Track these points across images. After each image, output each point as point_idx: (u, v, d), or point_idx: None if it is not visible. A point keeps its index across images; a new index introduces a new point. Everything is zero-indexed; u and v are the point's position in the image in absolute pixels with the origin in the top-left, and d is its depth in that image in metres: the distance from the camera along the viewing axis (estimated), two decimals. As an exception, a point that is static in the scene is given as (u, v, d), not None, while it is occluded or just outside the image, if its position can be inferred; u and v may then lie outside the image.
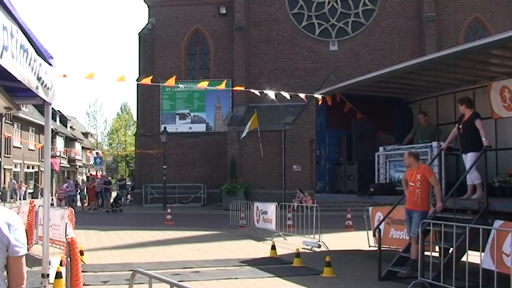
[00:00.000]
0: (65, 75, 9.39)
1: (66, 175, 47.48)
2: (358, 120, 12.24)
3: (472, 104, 9.10)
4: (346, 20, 31.53)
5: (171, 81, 11.86)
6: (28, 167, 45.34)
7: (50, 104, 5.02)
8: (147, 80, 12.38)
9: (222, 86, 14.26)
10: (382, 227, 10.78)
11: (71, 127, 57.75)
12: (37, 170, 46.51)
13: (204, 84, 15.94)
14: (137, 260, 10.60)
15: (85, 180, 35.23)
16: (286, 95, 13.27)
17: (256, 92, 13.78)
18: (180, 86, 19.22)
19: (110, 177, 32.33)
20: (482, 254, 6.97)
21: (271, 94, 12.73)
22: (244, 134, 25.17)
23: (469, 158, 8.50)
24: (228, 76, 31.75)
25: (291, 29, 31.61)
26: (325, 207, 21.56)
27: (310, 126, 24.95)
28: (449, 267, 7.14)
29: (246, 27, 31.39)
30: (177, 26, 32.80)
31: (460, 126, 8.79)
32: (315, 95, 12.56)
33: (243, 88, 15.17)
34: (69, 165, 55.69)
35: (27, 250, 9.83)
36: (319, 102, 12.50)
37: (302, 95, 13.35)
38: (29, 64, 3.71)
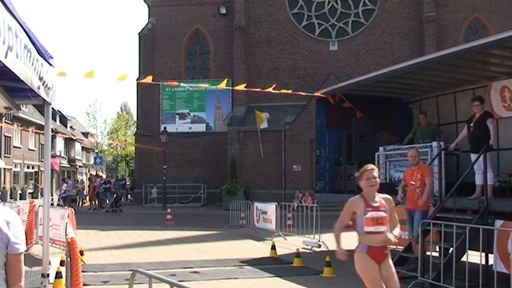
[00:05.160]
0: (63, 73, 9.37)
1: (66, 175, 47.45)
2: (358, 120, 12.24)
3: (484, 103, 9.08)
4: (346, 20, 31.54)
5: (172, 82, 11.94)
6: (28, 167, 45.34)
7: (50, 104, 5.03)
8: (148, 79, 12.34)
9: (223, 85, 14.15)
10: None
11: (71, 127, 57.74)
12: (37, 170, 46.51)
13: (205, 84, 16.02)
14: (137, 260, 10.60)
15: (83, 181, 35.08)
16: (287, 92, 13.33)
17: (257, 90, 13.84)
18: (183, 85, 19.31)
19: (110, 178, 32.31)
20: (485, 254, 6.96)
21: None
22: (265, 125, 24.57)
23: (481, 159, 8.39)
24: (228, 76, 31.74)
25: (291, 29, 31.61)
26: (325, 207, 21.52)
27: (310, 126, 24.95)
28: (449, 267, 7.14)
29: (246, 27, 31.39)
30: (177, 26, 32.81)
31: (471, 125, 8.78)
32: (316, 94, 12.58)
33: (243, 86, 14.92)
34: (69, 165, 55.67)
35: (27, 250, 9.83)
36: (319, 96, 12.53)
37: (302, 93, 13.38)
38: (32, 64, 3.72)
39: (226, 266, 9.77)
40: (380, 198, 5.00)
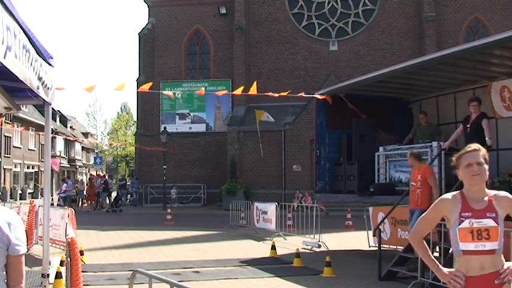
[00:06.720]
0: (63, 88, 9.42)
1: (66, 175, 47.45)
2: (358, 120, 12.24)
3: (481, 104, 9.11)
4: (346, 20, 31.54)
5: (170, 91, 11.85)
6: (28, 167, 45.35)
7: (50, 104, 5.03)
8: (146, 87, 12.22)
9: (223, 92, 13.94)
10: (388, 227, 10.80)
11: (71, 127, 57.76)
12: (37, 170, 46.52)
13: (202, 91, 15.94)
14: (137, 260, 10.60)
15: (83, 181, 35.11)
16: (285, 93, 13.27)
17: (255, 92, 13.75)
18: (178, 93, 19.56)
19: (108, 178, 32.30)
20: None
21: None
22: (270, 119, 24.27)
23: None
24: (228, 76, 31.77)
25: (291, 29, 31.61)
26: (325, 207, 21.54)
27: (310, 126, 24.93)
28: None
29: (246, 27, 31.39)
30: (177, 26, 32.81)
31: (468, 126, 8.79)
32: (316, 95, 12.57)
33: (241, 92, 14.79)
34: (69, 165, 55.69)
35: (27, 250, 9.83)
36: (319, 98, 12.51)
37: (301, 95, 13.34)
38: (31, 64, 3.72)
39: (226, 266, 9.77)
40: (491, 197, 2.99)
